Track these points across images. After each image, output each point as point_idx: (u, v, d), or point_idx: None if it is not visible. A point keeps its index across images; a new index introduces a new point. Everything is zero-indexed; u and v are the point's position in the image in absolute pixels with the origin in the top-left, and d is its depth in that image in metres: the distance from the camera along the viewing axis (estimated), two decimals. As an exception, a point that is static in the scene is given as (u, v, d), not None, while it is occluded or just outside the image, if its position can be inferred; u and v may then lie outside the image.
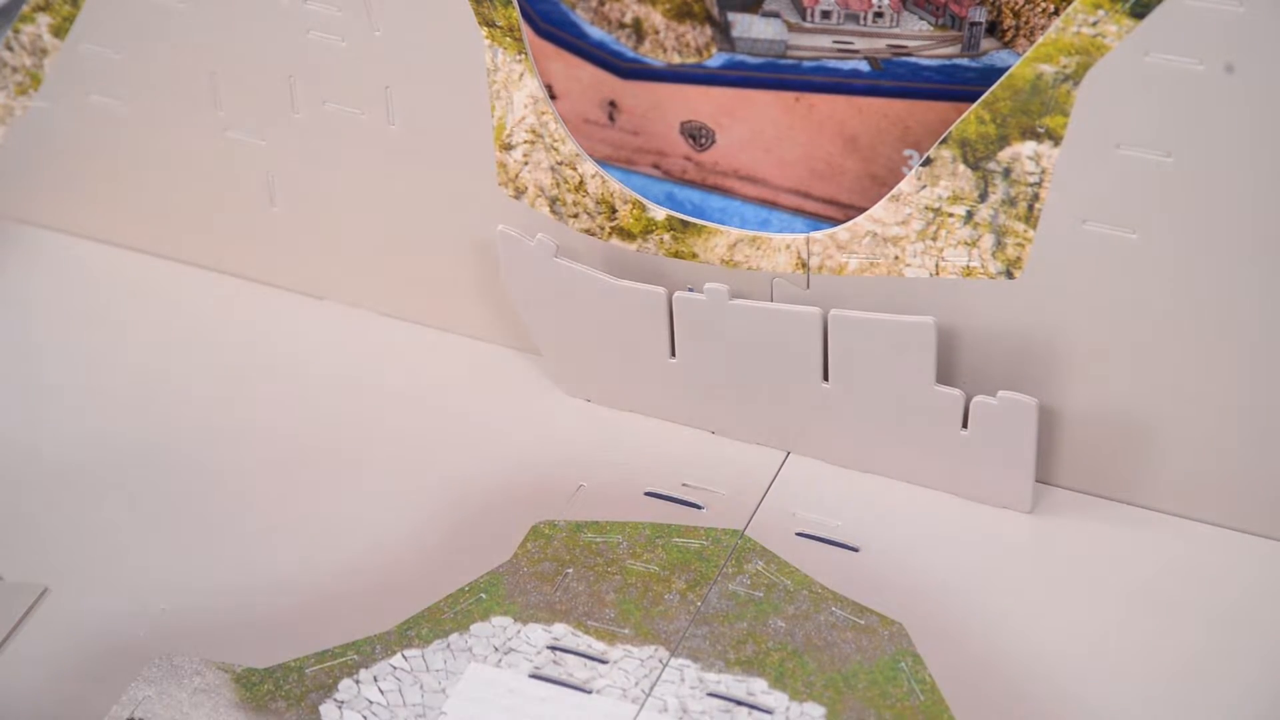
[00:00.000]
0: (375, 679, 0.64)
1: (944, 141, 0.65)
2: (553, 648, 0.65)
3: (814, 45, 0.73)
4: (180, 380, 0.76)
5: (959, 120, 0.65)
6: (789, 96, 0.74)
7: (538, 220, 0.72)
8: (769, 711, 0.63)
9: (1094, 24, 0.61)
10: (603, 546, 0.69)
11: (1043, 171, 0.64)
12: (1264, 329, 0.64)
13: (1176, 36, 0.61)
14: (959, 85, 0.71)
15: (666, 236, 0.70)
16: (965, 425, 0.68)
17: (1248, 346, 0.65)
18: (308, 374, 0.76)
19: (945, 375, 0.69)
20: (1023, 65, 0.63)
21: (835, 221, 0.71)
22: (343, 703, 0.64)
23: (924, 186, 0.66)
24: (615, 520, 0.70)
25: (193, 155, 0.78)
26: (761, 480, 0.71)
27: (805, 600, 0.67)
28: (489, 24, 0.70)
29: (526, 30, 0.71)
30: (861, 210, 0.68)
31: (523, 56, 0.70)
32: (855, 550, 0.69)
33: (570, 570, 0.68)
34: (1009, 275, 0.67)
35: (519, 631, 0.66)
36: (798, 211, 0.76)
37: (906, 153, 0.73)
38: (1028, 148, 0.64)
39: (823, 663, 0.65)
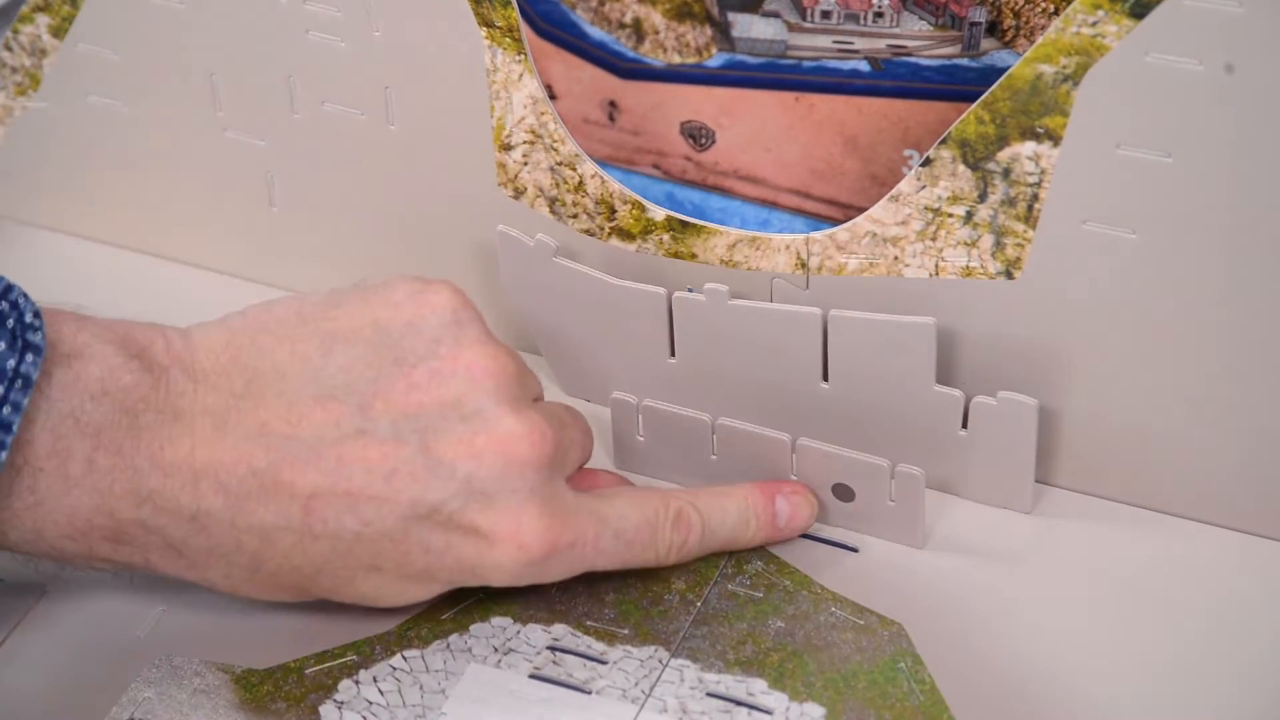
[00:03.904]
0: (375, 679, 0.64)
1: (944, 142, 0.65)
2: (552, 648, 0.65)
3: (814, 45, 0.73)
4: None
5: (959, 120, 0.65)
6: (789, 96, 0.74)
7: (537, 220, 0.72)
8: (769, 712, 0.63)
9: (1094, 24, 0.61)
10: (602, 547, 0.69)
11: (1042, 171, 0.64)
12: (1263, 329, 0.64)
13: (1176, 36, 0.60)
14: (959, 85, 0.71)
15: (666, 237, 0.70)
16: (965, 425, 0.68)
17: (1247, 346, 0.65)
18: (308, 374, 0.76)
19: (945, 375, 0.69)
20: (1023, 65, 0.63)
21: (835, 222, 0.70)
22: (342, 703, 0.64)
23: (924, 187, 0.66)
24: (615, 520, 0.70)
25: (193, 155, 0.78)
26: (761, 480, 0.71)
27: (805, 600, 0.67)
28: (488, 24, 0.70)
29: (526, 30, 0.71)
30: (861, 210, 0.68)
31: (522, 57, 0.70)
32: (855, 550, 0.69)
33: (570, 571, 0.68)
34: (1009, 275, 0.67)
35: (519, 632, 0.66)
36: (798, 212, 0.76)
37: (906, 153, 0.73)
38: (1027, 148, 0.64)
39: (822, 663, 0.65)
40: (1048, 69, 0.63)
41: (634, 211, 0.70)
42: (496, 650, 0.65)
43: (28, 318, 0.58)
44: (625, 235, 0.71)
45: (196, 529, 0.60)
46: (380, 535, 0.61)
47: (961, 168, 0.65)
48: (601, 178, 0.70)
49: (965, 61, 0.71)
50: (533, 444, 0.62)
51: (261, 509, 0.59)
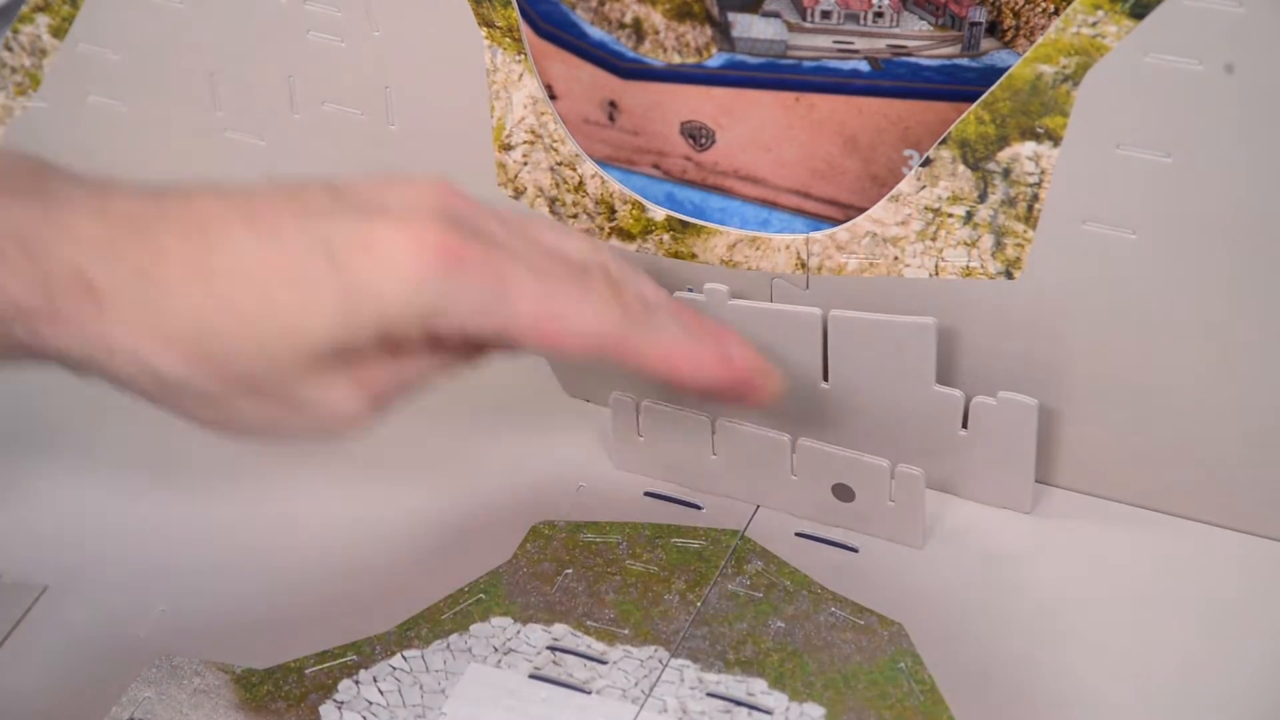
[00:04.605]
0: (375, 679, 0.64)
1: (944, 142, 0.65)
2: (552, 648, 0.65)
3: (814, 45, 0.73)
4: (180, 380, 0.76)
5: (959, 120, 0.65)
6: (789, 96, 0.74)
7: (537, 220, 0.72)
8: (769, 712, 0.63)
9: (1094, 24, 0.61)
10: (602, 547, 0.69)
11: (1042, 172, 0.64)
12: (1263, 329, 0.64)
13: (1176, 36, 0.60)
14: (959, 85, 0.71)
15: (666, 237, 0.70)
16: (965, 425, 0.68)
17: (1247, 346, 0.65)
18: (308, 374, 0.76)
19: (945, 375, 0.69)
20: (1023, 65, 0.63)
21: (835, 222, 0.71)
22: (342, 703, 0.64)
23: (924, 187, 0.66)
24: (615, 520, 0.70)
25: (193, 155, 0.78)
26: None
27: (805, 600, 0.67)
28: (488, 24, 0.70)
29: (526, 30, 0.71)
30: (861, 210, 0.68)
31: (522, 57, 0.70)
32: (855, 550, 0.69)
33: (570, 571, 0.68)
34: (1009, 275, 0.67)
35: (519, 632, 0.66)
36: (798, 211, 0.76)
37: (906, 153, 0.73)
38: (1027, 148, 0.64)
39: (822, 663, 0.65)
40: (1048, 69, 0.63)
41: (634, 211, 0.70)
42: (496, 650, 0.65)
43: None
44: (625, 235, 0.71)
45: (103, 247, 0.57)
46: (275, 251, 0.58)
47: (961, 168, 0.65)
48: (601, 178, 0.70)
49: (965, 61, 0.71)
50: (442, 194, 0.59)
51: (165, 234, 0.58)
